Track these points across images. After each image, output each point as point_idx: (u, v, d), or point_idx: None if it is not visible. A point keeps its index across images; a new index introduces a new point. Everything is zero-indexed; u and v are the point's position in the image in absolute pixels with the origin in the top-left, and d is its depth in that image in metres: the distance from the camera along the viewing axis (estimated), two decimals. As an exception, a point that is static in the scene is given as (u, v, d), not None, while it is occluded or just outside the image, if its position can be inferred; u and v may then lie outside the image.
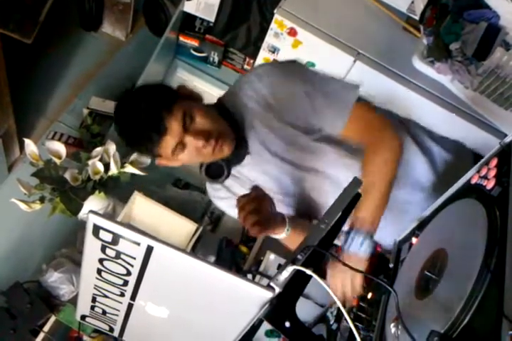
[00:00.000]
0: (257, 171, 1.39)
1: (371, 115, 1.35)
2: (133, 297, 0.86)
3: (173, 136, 1.20)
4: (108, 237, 0.76)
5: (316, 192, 1.42)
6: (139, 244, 0.75)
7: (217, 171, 1.35)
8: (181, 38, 2.96)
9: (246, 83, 1.34)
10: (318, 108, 1.29)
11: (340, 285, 1.28)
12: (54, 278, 2.13)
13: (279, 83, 1.30)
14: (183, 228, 2.26)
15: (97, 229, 0.75)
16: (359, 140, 1.33)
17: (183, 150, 1.23)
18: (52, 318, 2.09)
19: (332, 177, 1.38)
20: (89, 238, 0.77)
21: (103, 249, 0.78)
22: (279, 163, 1.35)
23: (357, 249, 1.26)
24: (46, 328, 2.07)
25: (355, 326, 1.17)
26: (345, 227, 1.26)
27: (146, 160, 2.30)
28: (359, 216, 1.26)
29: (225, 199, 1.48)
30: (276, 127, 1.31)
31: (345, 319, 1.30)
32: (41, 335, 2.06)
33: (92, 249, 0.79)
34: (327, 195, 1.39)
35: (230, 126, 1.30)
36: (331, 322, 1.42)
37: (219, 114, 1.30)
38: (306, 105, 1.29)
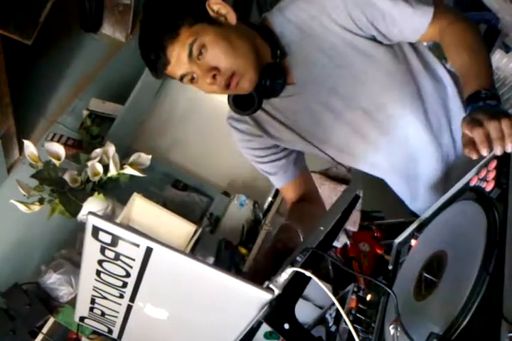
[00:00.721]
0: (300, 106, 1.23)
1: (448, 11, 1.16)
2: (132, 298, 0.86)
3: (178, 67, 1.07)
4: (107, 239, 0.76)
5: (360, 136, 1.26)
6: (138, 246, 0.75)
7: (245, 102, 1.19)
8: (181, 40, 2.95)
9: (306, 2, 1.14)
10: (399, 11, 1.11)
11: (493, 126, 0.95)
12: (53, 280, 2.13)
13: None
14: (182, 229, 2.26)
15: (96, 231, 0.75)
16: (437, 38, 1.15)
17: (194, 83, 1.11)
18: (51, 320, 2.09)
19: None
20: (89, 239, 0.77)
21: (102, 251, 0.78)
22: (332, 99, 1.19)
23: (483, 105, 0.99)
24: (45, 330, 2.07)
25: (354, 328, 1.17)
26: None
27: (146, 161, 2.30)
28: (469, 80, 1.06)
29: (244, 133, 1.32)
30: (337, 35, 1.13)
31: (344, 321, 1.30)
32: (40, 337, 2.06)
33: (91, 250, 0.79)
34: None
35: (262, 53, 1.13)
36: (330, 324, 1.42)
37: (258, 37, 1.14)
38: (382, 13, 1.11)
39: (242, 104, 1.20)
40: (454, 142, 1.29)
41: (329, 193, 2.27)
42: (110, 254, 0.78)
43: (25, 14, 2.56)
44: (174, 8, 1.07)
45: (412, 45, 1.22)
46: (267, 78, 1.13)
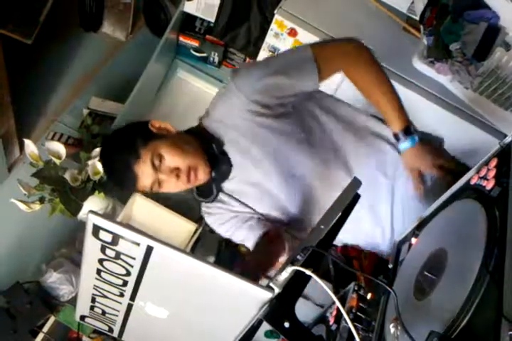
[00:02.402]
0: (245, 183, 1.43)
1: (327, 50, 1.39)
2: (132, 297, 0.86)
3: (147, 178, 1.30)
4: (108, 237, 0.76)
5: (313, 194, 1.44)
6: (138, 245, 0.75)
7: (206, 191, 1.45)
8: (181, 38, 2.96)
9: (223, 103, 1.39)
10: (291, 79, 1.34)
11: (419, 162, 1.38)
12: (53, 279, 2.13)
13: (247, 86, 1.34)
14: (183, 228, 2.26)
15: (96, 230, 0.75)
16: (335, 73, 1.39)
17: (161, 187, 1.34)
18: (52, 319, 2.09)
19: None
20: (89, 238, 0.77)
21: (103, 250, 0.78)
22: (267, 166, 1.39)
23: (408, 146, 1.37)
24: (45, 329, 2.08)
25: (355, 326, 1.17)
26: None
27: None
28: (389, 120, 1.37)
29: (215, 215, 1.52)
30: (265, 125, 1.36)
31: (345, 319, 1.30)
32: (40, 336, 2.06)
33: (91, 249, 0.79)
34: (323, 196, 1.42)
35: (204, 148, 1.37)
36: (331, 323, 1.42)
37: (195, 138, 1.38)
38: (281, 85, 1.34)
39: (205, 194, 1.47)
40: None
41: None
42: (111, 253, 0.79)
43: (26, 13, 2.56)
44: (127, 137, 1.34)
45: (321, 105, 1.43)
46: (214, 167, 1.38)
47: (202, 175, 1.36)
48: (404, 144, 1.37)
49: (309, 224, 1.49)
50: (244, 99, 1.33)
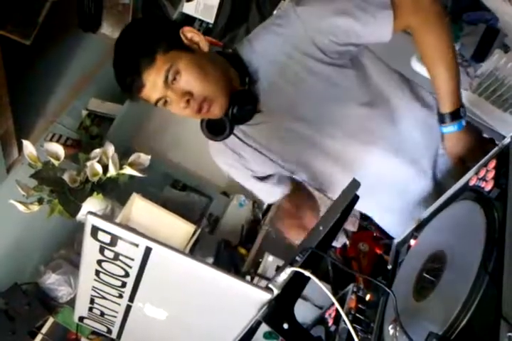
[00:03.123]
0: (270, 133, 1.28)
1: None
2: (131, 298, 0.86)
3: (154, 91, 1.12)
4: (106, 238, 0.76)
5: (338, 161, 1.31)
6: (137, 246, 0.75)
7: (217, 127, 1.25)
8: (180, 39, 2.96)
9: (272, 33, 1.20)
10: (360, 25, 1.16)
11: (463, 150, 1.26)
12: (52, 280, 2.13)
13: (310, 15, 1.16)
14: (182, 230, 2.26)
15: (95, 230, 0.75)
16: (407, 28, 1.22)
17: (166, 106, 1.17)
18: (51, 320, 2.09)
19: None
20: (88, 239, 0.77)
21: (101, 251, 0.78)
22: (305, 115, 1.24)
23: (454, 129, 1.24)
24: (44, 330, 2.07)
25: (354, 328, 1.17)
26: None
27: (145, 161, 2.30)
28: (440, 98, 1.22)
29: (233, 167, 1.38)
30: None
31: (344, 321, 1.30)
32: (39, 337, 2.06)
33: (90, 250, 0.79)
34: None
35: (233, 79, 1.20)
36: (329, 324, 1.42)
37: (229, 64, 1.20)
38: (346, 29, 1.16)
39: (215, 130, 1.26)
40: (435, 161, 1.33)
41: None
42: (109, 254, 0.78)
43: (24, 14, 2.56)
44: (150, 34, 1.13)
45: (379, 66, 1.27)
46: (235, 105, 1.19)
47: (216, 110, 1.18)
48: (450, 128, 1.24)
49: (328, 187, 1.37)
50: (302, 31, 1.14)
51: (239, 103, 1.19)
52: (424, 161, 1.31)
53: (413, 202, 1.36)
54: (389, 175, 1.32)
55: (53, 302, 2.14)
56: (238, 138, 1.33)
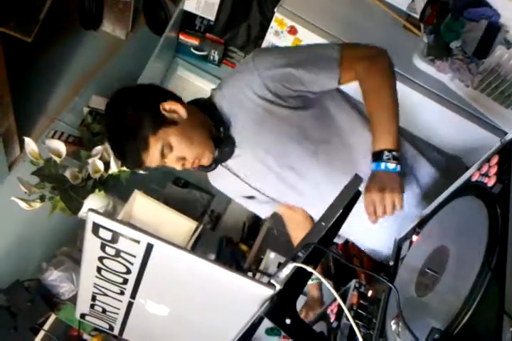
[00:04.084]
0: (246, 166, 1.43)
1: (356, 53, 1.35)
2: (133, 295, 0.86)
3: (153, 163, 1.30)
4: (108, 235, 0.76)
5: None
6: (138, 242, 0.74)
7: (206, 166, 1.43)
8: (181, 37, 2.95)
9: (236, 80, 1.36)
10: (310, 76, 1.31)
11: (377, 200, 1.27)
12: (54, 277, 2.13)
13: (267, 70, 1.31)
14: (183, 226, 2.26)
15: (96, 228, 0.75)
16: (355, 78, 1.33)
17: (165, 165, 1.34)
18: (53, 317, 2.09)
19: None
20: (89, 236, 0.77)
21: (103, 247, 0.78)
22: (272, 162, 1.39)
23: (384, 168, 1.27)
24: (46, 326, 2.07)
25: (356, 323, 1.17)
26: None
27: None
28: (376, 137, 1.29)
29: (225, 188, 1.57)
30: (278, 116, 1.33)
31: (346, 316, 1.30)
32: (41, 333, 2.06)
33: (91, 247, 0.79)
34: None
35: (212, 130, 1.35)
36: (332, 320, 1.42)
37: (204, 117, 1.35)
38: (298, 79, 1.31)
39: (203, 167, 1.42)
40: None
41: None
42: (111, 251, 0.78)
43: (26, 11, 2.56)
44: (137, 121, 1.26)
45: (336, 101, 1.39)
46: (216, 149, 1.35)
47: (206, 161, 1.35)
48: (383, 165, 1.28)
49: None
50: (258, 78, 1.29)
51: (219, 148, 1.35)
52: None
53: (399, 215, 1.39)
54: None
55: (55, 298, 2.14)
56: (225, 167, 1.48)
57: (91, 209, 0.74)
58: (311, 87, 1.33)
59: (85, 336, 2.12)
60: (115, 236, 0.75)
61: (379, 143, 1.29)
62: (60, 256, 2.23)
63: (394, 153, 1.27)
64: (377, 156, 1.28)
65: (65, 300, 2.14)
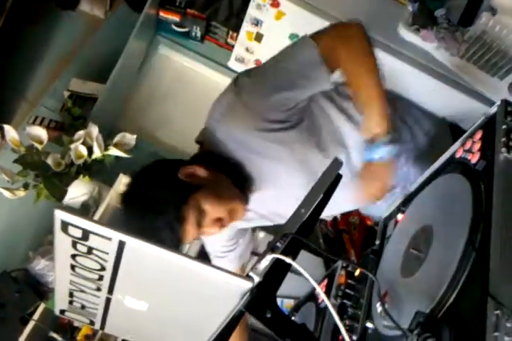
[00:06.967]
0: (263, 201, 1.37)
1: (329, 40, 1.25)
2: (110, 291, 0.83)
3: (191, 236, 1.21)
4: (78, 233, 0.73)
5: None
6: (110, 239, 0.72)
7: None
8: (162, 13, 2.87)
9: (225, 120, 1.28)
10: (304, 90, 1.25)
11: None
12: (41, 266, 2.11)
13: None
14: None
15: (65, 225, 0.72)
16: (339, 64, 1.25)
17: (204, 233, 1.26)
18: (42, 306, 2.07)
19: None
20: (59, 234, 0.74)
21: (74, 245, 0.76)
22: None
23: (377, 156, 1.21)
24: (36, 316, 2.05)
25: (341, 306, 1.17)
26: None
27: (131, 141, 2.26)
28: (365, 125, 1.22)
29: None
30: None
31: (334, 296, 1.30)
32: (31, 323, 2.04)
33: (62, 245, 0.76)
34: None
35: (235, 183, 1.28)
36: (319, 301, 1.41)
37: (224, 175, 1.26)
38: (294, 97, 1.25)
39: None
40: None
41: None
42: (82, 248, 0.76)
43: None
44: (165, 197, 1.18)
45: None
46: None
47: (241, 214, 1.28)
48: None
49: None
50: (257, 117, 1.22)
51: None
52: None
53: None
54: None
55: (44, 287, 2.12)
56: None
57: (58, 207, 0.72)
58: (306, 95, 1.26)
59: (76, 323, 2.11)
60: (85, 234, 0.73)
61: (369, 127, 1.21)
62: (47, 245, 2.21)
63: (386, 138, 1.20)
64: (370, 143, 1.21)
65: (53, 288, 2.13)
